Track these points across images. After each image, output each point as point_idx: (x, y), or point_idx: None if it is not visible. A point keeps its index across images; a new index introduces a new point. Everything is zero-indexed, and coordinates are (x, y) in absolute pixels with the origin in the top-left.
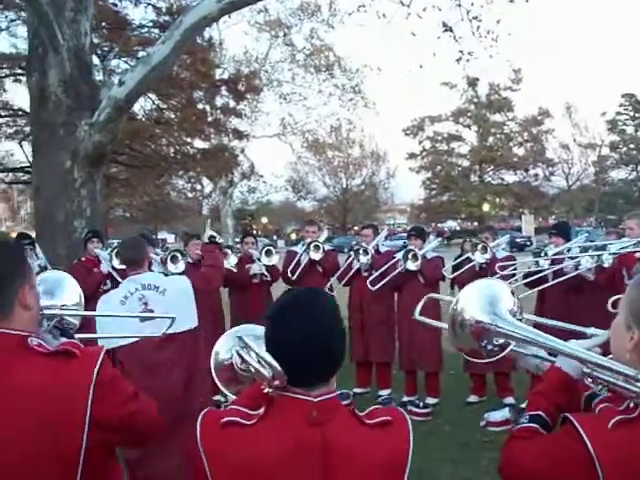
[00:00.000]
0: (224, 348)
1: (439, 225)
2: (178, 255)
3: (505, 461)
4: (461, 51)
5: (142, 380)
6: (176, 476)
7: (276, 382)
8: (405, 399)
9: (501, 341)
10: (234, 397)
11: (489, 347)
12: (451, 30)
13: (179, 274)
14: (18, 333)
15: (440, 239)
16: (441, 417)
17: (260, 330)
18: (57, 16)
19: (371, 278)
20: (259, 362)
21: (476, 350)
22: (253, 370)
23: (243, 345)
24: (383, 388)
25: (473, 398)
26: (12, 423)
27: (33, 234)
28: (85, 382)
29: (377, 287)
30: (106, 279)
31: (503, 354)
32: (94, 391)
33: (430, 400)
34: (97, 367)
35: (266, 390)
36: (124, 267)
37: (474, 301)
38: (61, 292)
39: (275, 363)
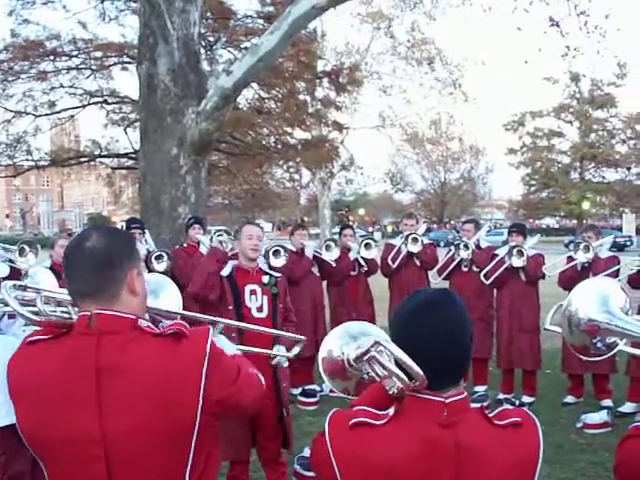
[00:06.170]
0: (336, 344)
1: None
2: (281, 250)
3: (621, 460)
4: (567, 47)
5: None
6: None
7: (415, 385)
8: (501, 396)
9: (612, 340)
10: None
11: (599, 345)
12: (558, 25)
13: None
14: (129, 315)
15: (539, 235)
16: (537, 417)
17: (365, 328)
18: (168, 6)
19: (484, 271)
20: (398, 366)
21: (587, 347)
22: (387, 373)
23: (381, 348)
24: (479, 384)
25: (570, 399)
26: (129, 402)
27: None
28: (198, 362)
29: (490, 281)
30: None
31: (612, 353)
32: (207, 370)
33: (526, 399)
34: (208, 347)
35: (391, 391)
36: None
37: (586, 300)
38: (163, 295)
39: (417, 367)
